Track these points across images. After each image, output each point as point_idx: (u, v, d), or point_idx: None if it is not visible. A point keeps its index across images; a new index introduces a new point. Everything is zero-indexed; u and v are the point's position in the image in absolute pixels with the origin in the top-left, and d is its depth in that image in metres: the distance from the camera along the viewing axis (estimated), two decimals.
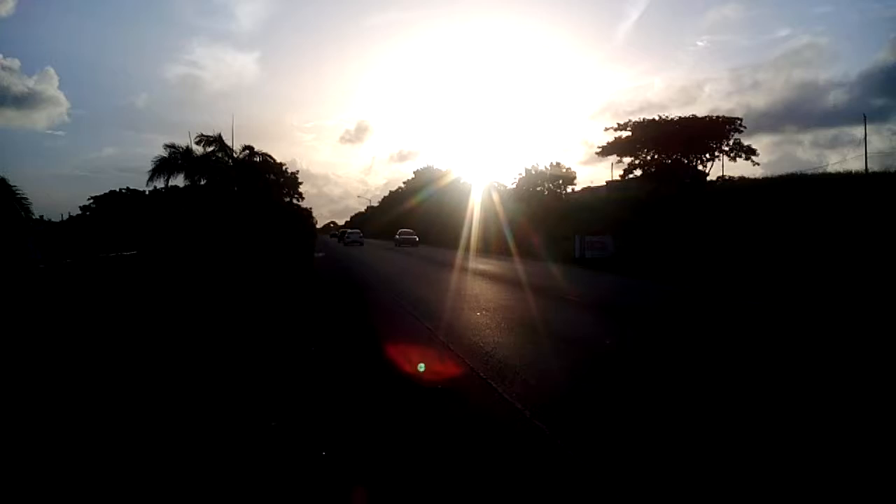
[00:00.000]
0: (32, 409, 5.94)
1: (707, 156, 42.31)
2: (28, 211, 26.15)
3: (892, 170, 31.90)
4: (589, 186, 58.79)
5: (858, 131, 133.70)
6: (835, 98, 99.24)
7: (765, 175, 39.82)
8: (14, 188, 26.28)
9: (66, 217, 53.38)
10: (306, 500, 4.08)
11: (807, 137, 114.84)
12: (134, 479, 4.31)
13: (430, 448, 4.92)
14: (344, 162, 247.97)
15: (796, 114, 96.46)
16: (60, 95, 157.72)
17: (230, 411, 5.80)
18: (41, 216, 43.44)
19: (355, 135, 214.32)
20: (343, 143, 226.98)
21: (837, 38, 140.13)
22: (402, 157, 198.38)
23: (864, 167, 34.75)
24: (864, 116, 48.99)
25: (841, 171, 34.58)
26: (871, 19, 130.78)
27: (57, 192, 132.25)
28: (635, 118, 44.89)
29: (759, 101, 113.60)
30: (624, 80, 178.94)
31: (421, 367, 7.25)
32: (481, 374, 7.26)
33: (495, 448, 4.93)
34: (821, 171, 37.34)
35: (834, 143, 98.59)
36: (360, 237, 70.09)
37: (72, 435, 5.19)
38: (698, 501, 4.05)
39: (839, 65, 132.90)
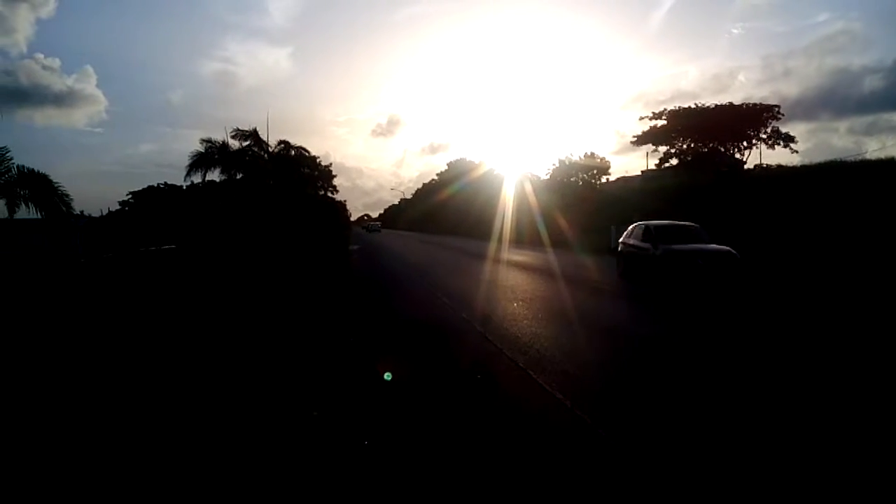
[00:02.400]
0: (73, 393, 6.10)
1: (744, 144, 41.65)
2: (70, 207, 26.71)
3: None
4: (624, 176, 58.21)
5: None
6: (870, 84, 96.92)
7: (803, 163, 39.02)
8: (57, 185, 26.87)
9: (105, 212, 54.52)
10: (355, 488, 4.13)
11: (843, 125, 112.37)
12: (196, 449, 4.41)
13: (472, 438, 4.95)
14: (376, 155, 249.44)
15: (832, 101, 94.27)
16: (99, 93, 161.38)
17: (266, 399, 5.89)
18: (82, 211, 44.40)
19: (387, 128, 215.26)
20: (375, 136, 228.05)
21: (872, 23, 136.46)
22: (433, 150, 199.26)
23: None
24: None
25: (882, 157, 33.62)
26: None
27: (96, 188, 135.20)
28: (671, 106, 44.41)
29: (792, 88, 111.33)
30: (656, 69, 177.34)
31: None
32: (520, 364, 7.27)
33: (536, 437, 4.95)
34: (860, 158, 36.37)
35: (871, 130, 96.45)
36: (379, 227, 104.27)
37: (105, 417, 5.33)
38: (735, 491, 4.02)
39: (874, 50, 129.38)
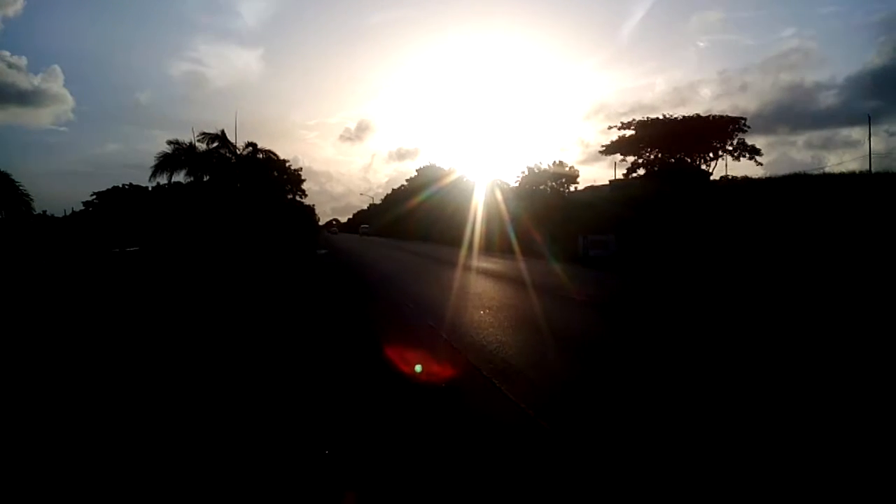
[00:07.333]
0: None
1: (711, 155, 42.24)
2: (30, 207, 26.20)
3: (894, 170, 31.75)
4: (592, 185, 58.59)
5: (852, 132, 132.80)
6: (825, 100, 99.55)
7: (767, 175, 39.72)
8: (18, 184, 26.35)
9: (69, 212, 53.52)
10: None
11: (800, 139, 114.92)
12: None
13: (435, 445, 4.88)
14: (346, 159, 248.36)
15: (789, 115, 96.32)
16: (65, 92, 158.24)
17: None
18: (44, 211, 43.68)
19: (356, 133, 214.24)
20: (344, 140, 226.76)
21: (824, 41, 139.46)
22: (402, 156, 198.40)
23: (862, 167, 34.96)
24: (869, 117, 49.00)
25: (844, 171, 34.60)
26: (866, 23, 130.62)
27: (61, 188, 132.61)
28: (631, 118, 44.91)
29: (750, 102, 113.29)
30: (621, 80, 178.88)
31: (418, 367, 7.31)
32: (484, 373, 7.20)
33: (499, 445, 4.89)
34: (821, 171, 37.38)
35: (828, 145, 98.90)
36: (337, 231, 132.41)
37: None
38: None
39: (826, 68, 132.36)
